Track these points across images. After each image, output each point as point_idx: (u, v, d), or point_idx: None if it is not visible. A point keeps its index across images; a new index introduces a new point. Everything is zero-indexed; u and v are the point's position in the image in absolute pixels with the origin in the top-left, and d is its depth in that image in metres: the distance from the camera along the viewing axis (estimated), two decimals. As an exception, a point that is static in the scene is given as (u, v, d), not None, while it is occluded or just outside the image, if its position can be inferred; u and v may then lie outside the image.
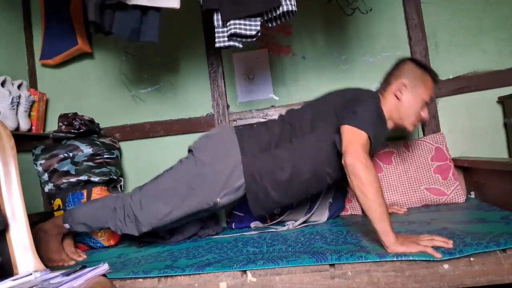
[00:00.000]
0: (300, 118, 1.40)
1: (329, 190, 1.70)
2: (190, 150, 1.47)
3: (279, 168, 1.36)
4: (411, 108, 1.40)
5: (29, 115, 1.96)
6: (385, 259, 1.04)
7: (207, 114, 2.09)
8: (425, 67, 1.43)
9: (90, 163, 1.80)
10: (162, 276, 1.15)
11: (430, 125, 1.89)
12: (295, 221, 1.63)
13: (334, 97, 1.42)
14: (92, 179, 1.77)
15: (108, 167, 1.85)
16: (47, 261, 1.46)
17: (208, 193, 1.37)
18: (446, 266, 1.00)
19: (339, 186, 1.73)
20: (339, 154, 1.27)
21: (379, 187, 1.10)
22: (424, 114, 1.43)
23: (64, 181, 1.77)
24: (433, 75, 1.43)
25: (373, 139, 1.20)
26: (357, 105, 1.28)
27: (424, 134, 1.91)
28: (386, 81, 1.45)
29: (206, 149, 1.42)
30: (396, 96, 1.40)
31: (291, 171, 1.35)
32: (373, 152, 1.23)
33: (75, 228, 1.48)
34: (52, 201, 1.80)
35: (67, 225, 1.48)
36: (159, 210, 1.38)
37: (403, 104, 1.40)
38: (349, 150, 1.14)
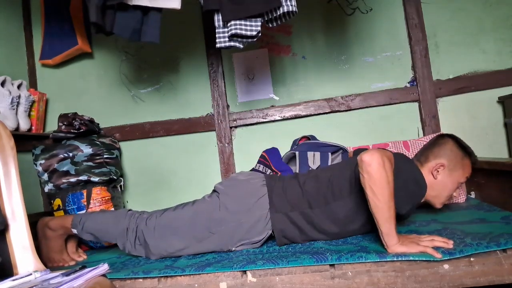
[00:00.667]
0: (337, 180, 1.32)
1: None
2: (215, 191, 1.43)
3: (313, 227, 1.31)
4: (446, 189, 1.35)
5: (29, 115, 1.96)
6: (385, 259, 1.04)
7: (207, 114, 2.09)
8: (465, 149, 1.38)
9: (90, 163, 1.80)
10: (162, 276, 1.15)
11: (430, 125, 1.89)
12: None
13: None
14: (92, 179, 1.77)
15: (108, 167, 1.85)
16: (48, 260, 1.46)
17: (225, 241, 1.34)
18: (446, 266, 0.99)
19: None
20: None
21: (391, 190, 1.06)
22: (456, 193, 1.40)
23: (64, 181, 1.77)
24: (473, 160, 1.39)
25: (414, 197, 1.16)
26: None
27: (424, 134, 1.91)
28: (424, 155, 1.39)
29: (233, 196, 1.36)
30: (432, 175, 1.34)
31: (328, 229, 1.30)
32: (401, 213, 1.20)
33: (82, 236, 1.45)
34: (52, 201, 1.80)
35: (74, 231, 1.45)
36: (173, 244, 1.35)
37: (437, 183, 1.34)
38: (368, 151, 1.09)
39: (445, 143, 1.39)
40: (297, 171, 1.64)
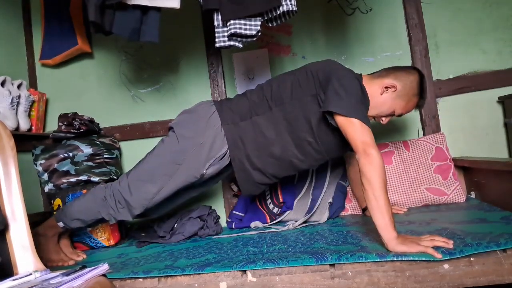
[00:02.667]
0: (279, 86, 1.40)
1: (329, 190, 1.70)
2: (170, 128, 1.48)
3: (260, 133, 1.38)
4: (381, 108, 1.40)
5: (29, 115, 1.96)
6: (385, 259, 1.04)
7: (207, 114, 2.09)
8: (422, 90, 1.41)
9: (90, 163, 1.80)
10: (162, 276, 1.15)
11: (430, 125, 1.89)
12: (295, 221, 1.63)
13: (314, 67, 1.39)
14: (92, 179, 1.77)
15: (108, 167, 1.85)
16: (47, 261, 1.47)
17: (194, 166, 1.39)
18: (446, 266, 1.00)
19: (338, 186, 1.73)
20: (318, 125, 1.32)
21: (386, 188, 1.11)
22: (384, 121, 1.44)
23: (64, 181, 1.77)
24: (421, 102, 1.43)
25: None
26: (341, 85, 1.26)
27: (424, 134, 1.91)
28: (386, 71, 1.44)
29: (186, 123, 1.44)
30: (381, 90, 1.39)
31: (272, 137, 1.37)
32: None
33: (70, 224, 1.48)
34: (52, 201, 1.80)
35: (61, 224, 1.48)
36: (149, 190, 1.41)
37: (378, 100, 1.39)
38: (366, 151, 1.14)
39: (411, 73, 1.41)
40: None
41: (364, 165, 1.13)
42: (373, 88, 1.39)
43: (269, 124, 1.37)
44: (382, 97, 1.39)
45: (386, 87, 1.38)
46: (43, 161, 1.77)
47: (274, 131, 1.37)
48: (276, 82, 1.43)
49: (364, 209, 1.68)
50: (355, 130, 1.19)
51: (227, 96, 2.08)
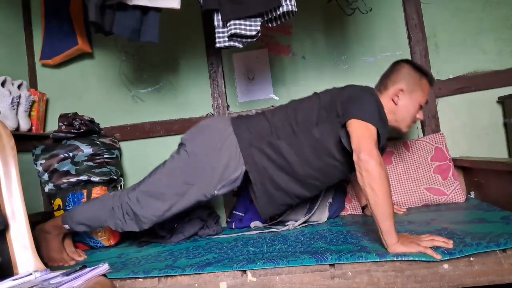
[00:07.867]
0: (303, 111, 1.38)
1: (329, 190, 1.70)
2: (182, 144, 1.45)
3: (282, 157, 1.34)
4: (408, 112, 1.39)
5: (29, 115, 1.96)
6: (385, 259, 1.04)
7: (207, 114, 2.09)
8: (421, 70, 1.41)
9: (90, 163, 1.80)
10: (162, 276, 1.15)
11: (430, 125, 1.89)
12: (295, 221, 1.63)
13: (336, 92, 1.39)
14: (92, 179, 1.77)
15: (108, 167, 1.85)
16: (48, 260, 1.48)
17: (205, 187, 1.38)
18: (446, 266, 1.00)
19: (339, 185, 1.73)
20: (343, 148, 1.28)
21: (389, 187, 1.08)
22: (420, 116, 1.43)
23: (64, 181, 1.77)
24: (430, 79, 1.42)
25: (381, 134, 1.20)
26: (361, 101, 1.27)
27: (424, 134, 1.91)
28: (383, 84, 1.43)
29: (199, 141, 1.40)
30: (393, 101, 1.39)
31: (294, 161, 1.34)
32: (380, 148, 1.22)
33: (75, 228, 1.49)
34: (52, 201, 1.80)
35: (67, 226, 1.48)
36: (159, 208, 1.39)
37: (399, 108, 1.39)
38: (363, 146, 1.11)
39: (401, 68, 1.42)
40: None
41: (368, 166, 1.09)
42: (386, 105, 1.38)
43: (292, 148, 1.34)
44: (400, 105, 1.38)
45: (396, 96, 1.38)
46: (43, 161, 1.77)
47: (297, 157, 1.34)
48: (300, 107, 1.40)
49: (364, 208, 1.68)
50: (368, 134, 1.16)
51: (227, 97, 2.09)
